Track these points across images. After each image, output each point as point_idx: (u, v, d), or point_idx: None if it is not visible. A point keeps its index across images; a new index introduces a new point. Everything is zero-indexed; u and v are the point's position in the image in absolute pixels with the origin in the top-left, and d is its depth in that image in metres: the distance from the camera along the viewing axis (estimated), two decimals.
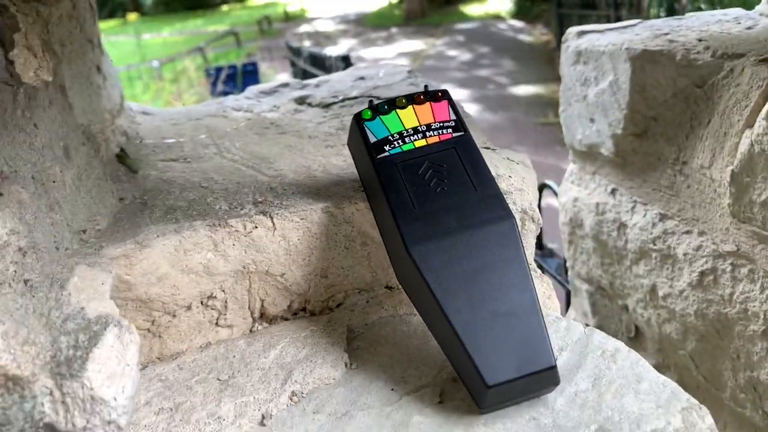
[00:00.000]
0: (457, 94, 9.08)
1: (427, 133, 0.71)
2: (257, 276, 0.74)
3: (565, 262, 1.78)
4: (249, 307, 0.75)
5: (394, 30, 15.23)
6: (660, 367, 1.51)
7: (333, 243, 0.75)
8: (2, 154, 0.58)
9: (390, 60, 11.92)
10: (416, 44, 13.33)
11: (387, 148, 0.70)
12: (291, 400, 0.64)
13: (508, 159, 0.86)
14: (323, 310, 0.77)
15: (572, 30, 1.58)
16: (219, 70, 7.73)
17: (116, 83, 1.24)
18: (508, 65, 10.64)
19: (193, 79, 8.40)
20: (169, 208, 0.77)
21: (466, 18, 15.68)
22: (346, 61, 4.79)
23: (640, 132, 1.38)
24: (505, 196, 0.77)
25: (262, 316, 0.76)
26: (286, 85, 1.39)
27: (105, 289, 0.56)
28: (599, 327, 1.71)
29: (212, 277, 0.72)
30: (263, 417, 0.62)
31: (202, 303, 0.73)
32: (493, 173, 0.78)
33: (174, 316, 0.72)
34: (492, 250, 0.62)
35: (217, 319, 0.74)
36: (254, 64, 8.52)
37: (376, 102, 0.74)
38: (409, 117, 0.73)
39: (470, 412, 0.60)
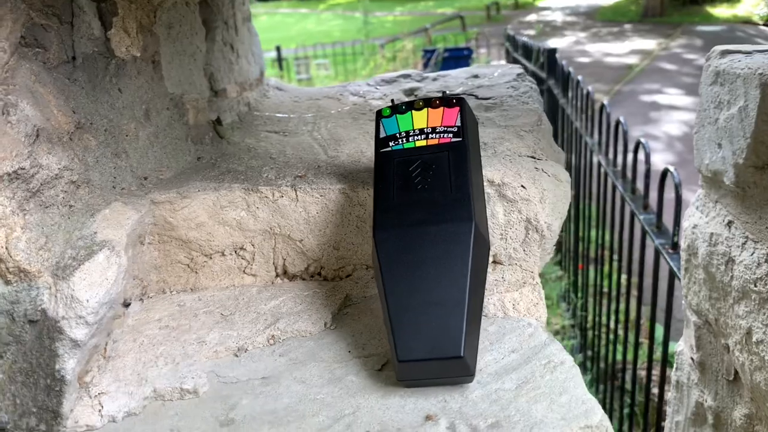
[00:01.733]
0: (682, 100, 8.46)
1: (430, 135, 0.78)
2: (281, 238, 0.87)
3: None
4: (273, 263, 0.88)
5: (627, 26, 14.45)
6: (753, 418, 1.41)
7: (346, 221, 0.86)
8: (84, 109, 0.77)
9: (617, 58, 11.38)
10: (648, 43, 12.56)
11: (392, 143, 0.79)
12: (268, 341, 0.77)
13: (542, 171, 0.89)
14: (335, 277, 0.88)
15: (717, 48, 1.49)
16: (432, 52, 7.96)
17: (257, 60, 1.43)
18: None
19: (409, 58, 8.74)
20: (228, 170, 0.92)
21: (710, 20, 14.42)
22: (551, 55, 4.73)
23: (763, 164, 1.29)
24: (509, 204, 0.82)
25: (285, 273, 0.89)
26: (407, 76, 1.49)
27: (125, 222, 0.73)
28: (702, 363, 1.63)
29: (243, 232, 0.87)
30: (238, 349, 0.75)
31: (234, 252, 0.88)
32: (500, 180, 0.83)
33: (209, 258, 0.87)
34: (443, 245, 0.69)
35: (245, 268, 0.88)
36: (468, 49, 8.63)
37: (398, 102, 0.83)
38: (420, 118, 0.80)
39: (396, 383, 0.68)
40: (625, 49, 12.17)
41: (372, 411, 0.65)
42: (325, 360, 0.73)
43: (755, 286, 1.30)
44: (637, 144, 2.12)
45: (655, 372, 2.43)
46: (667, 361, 1.90)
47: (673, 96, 8.72)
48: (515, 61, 7.05)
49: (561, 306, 3.46)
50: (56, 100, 0.72)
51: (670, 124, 7.32)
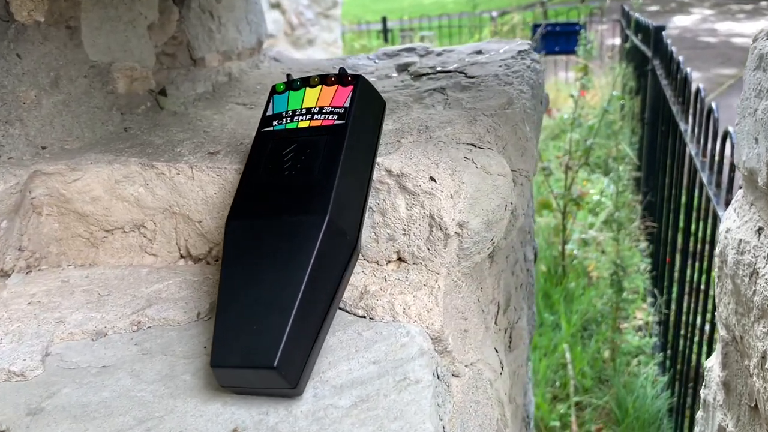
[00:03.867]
0: None
1: (315, 116, 0.70)
2: (181, 218, 0.82)
3: None
4: (176, 244, 0.84)
5: (763, 3, 13.22)
6: None
7: None
8: None
9: (748, 38, 10.46)
10: None
11: (275, 123, 0.72)
12: (131, 328, 0.72)
13: (471, 161, 0.79)
14: None
15: (766, 28, 1.29)
16: (537, 26, 7.64)
17: (255, 29, 1.39)
18: None
19: (515, 32, 8.43)
20: (143, 142, 0.88)
21: None
22: (657, 33, 4.41)
23: None
24: (411, 197, 0.73)
25: (190, 255, 0.85)
26: (411, 50, 1.40)
27: None
28: (726, 384, 1.46)
29: (143, 209, 0.83)
30: (97, 333, 0.71)
31: (136, 229, 0.84)
32: (399, 170, 0.74)
33: (110, 233, 0.84)
34: (291, 239, 0.62)
35: (146, 247, 0.84)
36: (577, 25, 8.21)
37: (293, 77, 0.75)
38: (312, 97, 0.72)
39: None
40: (753, 28, 11.15)
41: (183, 416, 0.59)
42: (176, 354, 0.68)
43: None
44: (725, 134, 1.91)
45: None
46: None
47: None
48: (626, 38, 6.64)
49: (648, 300, 3.26)
50: None
51: None
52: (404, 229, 0.75)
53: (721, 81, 7.97)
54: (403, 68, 1.28)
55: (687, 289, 2.33)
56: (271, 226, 0.63)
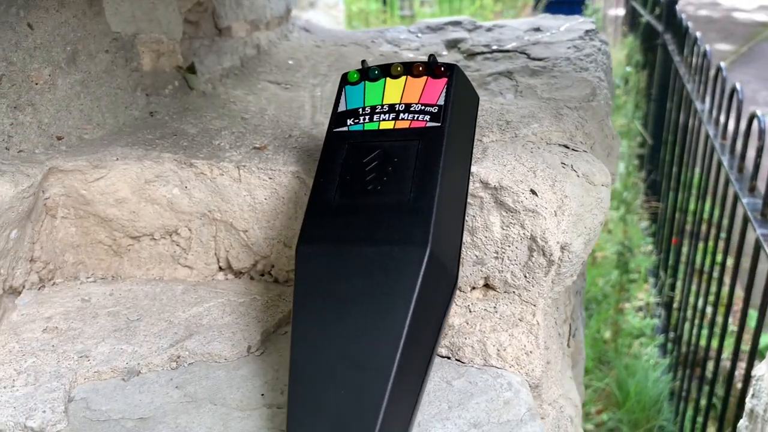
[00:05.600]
0: None
1: (401, 115, 0.57)
2: (222, 225, 0.70)
3: None
4: (215, 254, 0.71)
5: None
6: None
7: (301, 213, 0.67)
8: None
9: (750, 14, 10.29)
10: None
11: (350, 121, 0.59)
12: (169, 364, 0.60)
13: (570, 168, 0.67)
14: (287, 280, 0.70)
15: None
16: None
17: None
18: None
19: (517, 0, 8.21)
20: (175, 131, 0.75)
21: None
22: (670, 6, 4.25)
23: None
24: (508, 215, 0.61)
25: (230, 267, 0.72)
26: (457, 23, 1.26)
27: None
28: None
29: (177, 214, 0.70)
30: (129, 371, 0.59)
31: (168, 236, 0.71)
32: (498, 182, 0.61)
33: (137, 240, 0.71)
34: (381, 277, 0.49)
35: (179, 257, 0.71)
36: None
37: (370, 64, 0.62)
38: (394, 90, 0.59)
39: None
40: (763, 3, 10.97)
41: None
42: (227, 403, 0.56)
43: None
44: (752, 116, 1.79)
45: (743, 365, 2.16)
46: (755, 355, 1.63)
47: None
48: (632, 10, 6.47)
49: (649, 281, 3.18)
50: None
51: None
52: (497, 252, 0.63)
53: (723, 57, 7.81)
54: (452, 45, 1.15)
55: (694, 273, 2.24)
56: (355, 258, 0.51)
